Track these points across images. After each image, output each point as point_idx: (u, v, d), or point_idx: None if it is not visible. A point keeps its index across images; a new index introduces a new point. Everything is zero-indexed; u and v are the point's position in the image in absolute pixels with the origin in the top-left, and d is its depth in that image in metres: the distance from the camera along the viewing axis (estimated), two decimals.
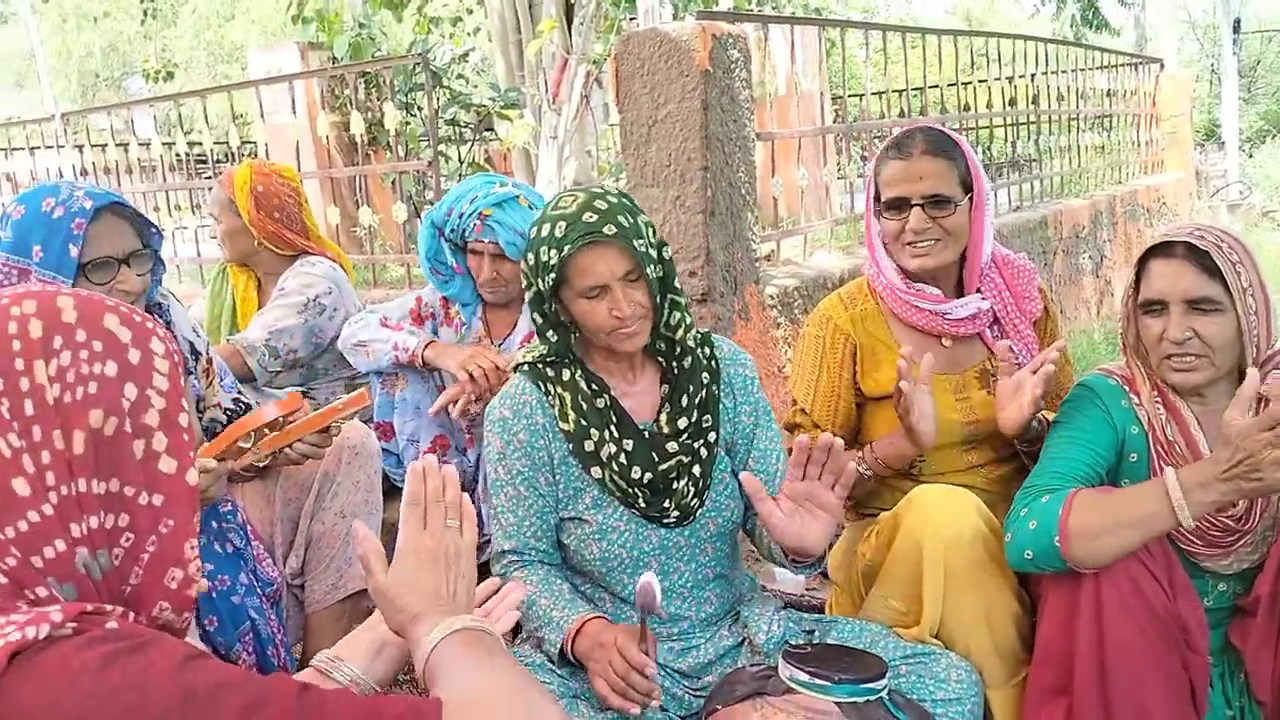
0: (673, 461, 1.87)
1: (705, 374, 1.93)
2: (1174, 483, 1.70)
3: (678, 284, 1.89)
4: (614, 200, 1.80)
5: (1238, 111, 13.70)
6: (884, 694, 1.62)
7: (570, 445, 1.86)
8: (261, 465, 2.12)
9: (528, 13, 7.14)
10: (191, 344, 2.21)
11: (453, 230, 2.62)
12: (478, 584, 1.32)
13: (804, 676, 1.61)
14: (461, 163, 7.02)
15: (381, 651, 1.30)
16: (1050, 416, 2.10)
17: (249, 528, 2.11)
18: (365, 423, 2.78)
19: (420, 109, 6.79)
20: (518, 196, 2.61)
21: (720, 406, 1.94)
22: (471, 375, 2.47)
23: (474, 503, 2.73)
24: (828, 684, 1.60)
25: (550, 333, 1.88)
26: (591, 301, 1.79)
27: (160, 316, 2.17)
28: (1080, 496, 1.79)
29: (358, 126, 4.36)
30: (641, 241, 1.78)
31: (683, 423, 1.89)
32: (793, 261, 3.94)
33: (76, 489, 0.97)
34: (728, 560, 1.98)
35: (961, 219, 2.14)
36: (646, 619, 1.58)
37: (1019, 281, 2.26)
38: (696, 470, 1.89)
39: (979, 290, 2.23)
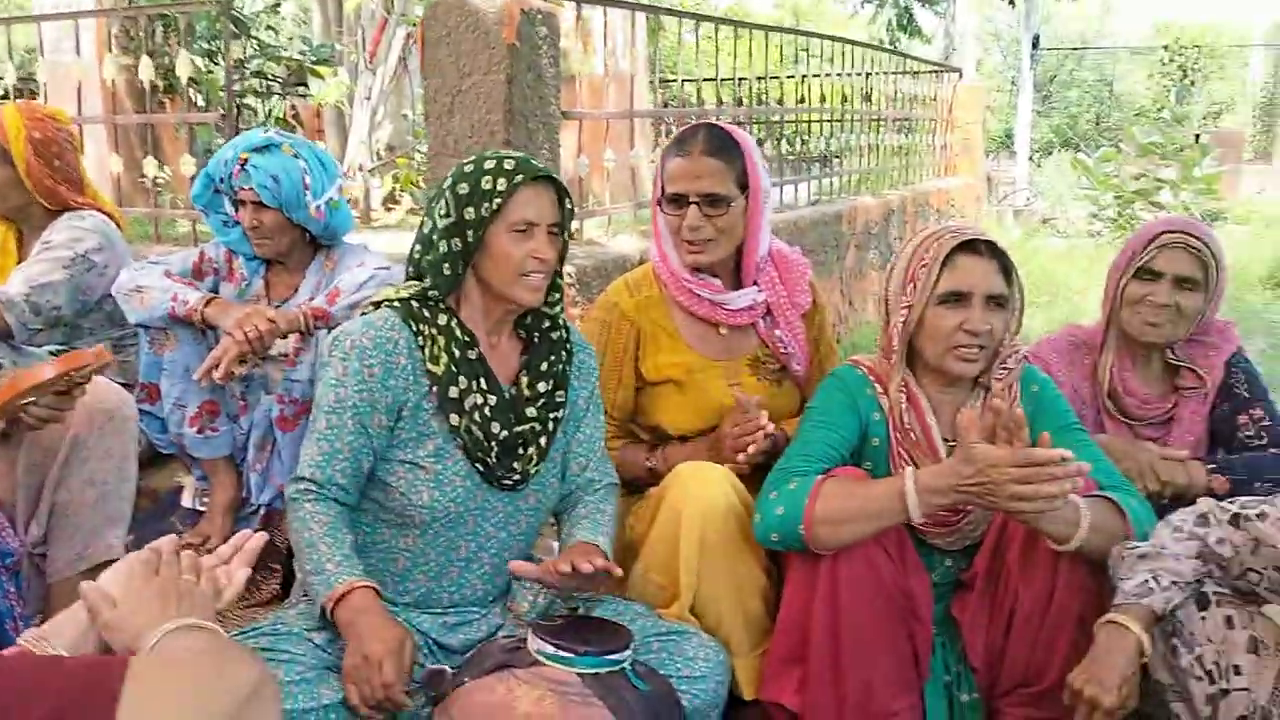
0: (528, 425, 1.91)
1: (563, 350, 2.00)
2: (910, 485, 1.86)
3: (561, 267, 1.96)
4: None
5: (1031, 123, 14.69)
6: (626, 665, 1.69)
7: (433, 388, 1.85)
8: None
9: None
10: None
11: (221, 179, 2.58)
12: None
13: (550, 649, 1.66)
14: (267, 117, 6.73)
15: (86, 638, 1.25)
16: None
17: None
18: (130, 385, 2.67)
19: (224, 58, 6.47)
20: (283, 145, 2.58)
21: (570, 385, 2.01)
22: (246, 336, 2.40)
23: (243, 469, 2.68)
24: (571, 656, 1.65)
25: (447, 267, 1.87)
26: (517, 238, 1.84)
27: None
28: (826, 486, 1.92)
29: (147, 72, 4.12)
30: (568, 206, 1.91)
31: (541, 387, 1.94)
32: (596, 242, 3.99)
33: None
34: (534, 536, 2.05)
35: (735, 217, 2.22)
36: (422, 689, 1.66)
37: (792, 276, 2.37)
38: (543, 440, 1.94)
39: (755, 283, 2.33)
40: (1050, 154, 16.03)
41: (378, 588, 1.78)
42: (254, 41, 6.75)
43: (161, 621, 1.15)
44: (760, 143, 5.54)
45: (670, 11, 5.92)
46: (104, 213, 2.88)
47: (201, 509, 2.75)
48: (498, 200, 1.83)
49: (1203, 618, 1.81)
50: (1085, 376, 2.44)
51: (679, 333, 2.31)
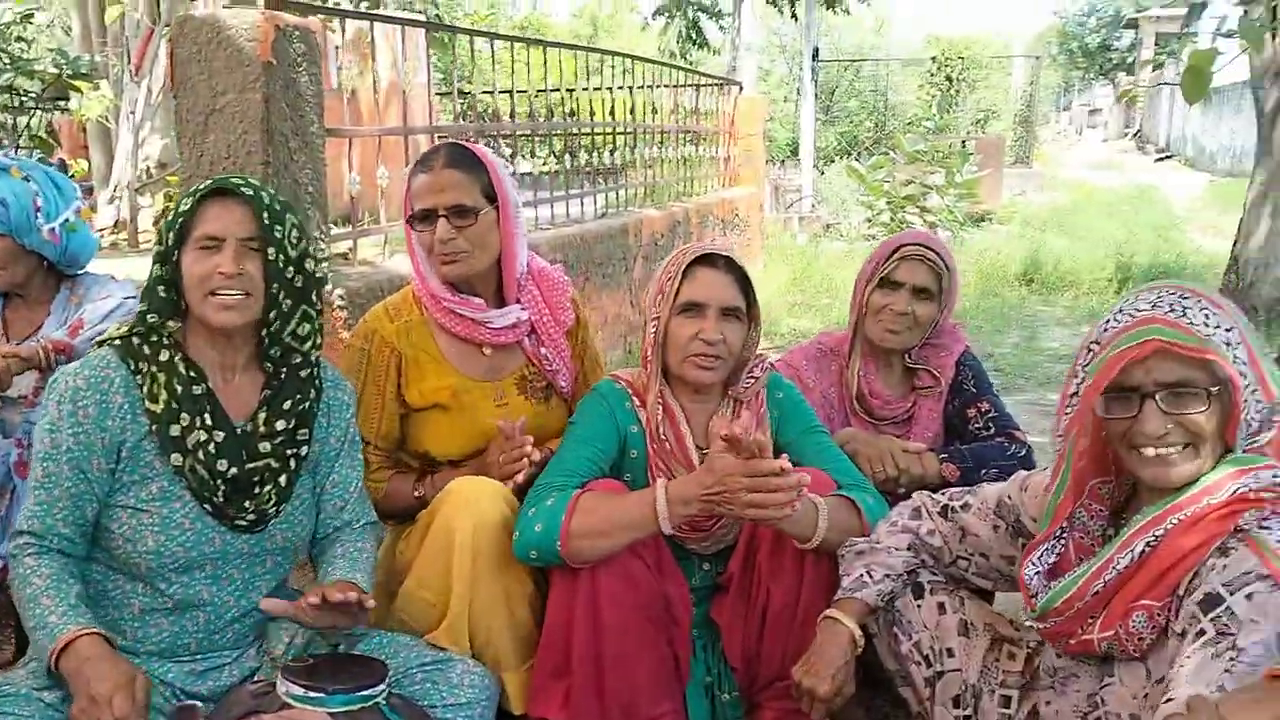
0: (262, 462, 1.84)
1: (311, 389, 1.92)
2: (661, 495, 1.93)
3: (316, 300, 1.89)
4: (268, 189, 1.85)
5: (815, 132, 15.38)
6: (380, 699, 1.67)
7: (153, 428, 1.77)
8: None
9: None
10: None
11: None
12: None
13: (299, 690, 1.63)
14: (20, 134, 6.28)
15: None
16: None
17: None
18: None
19: None
20: (10, 168, 2.45)
21: (316, 424, 1.94)
22: None
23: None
24: (321, 695, 1.62)
25: (160, 292, 1.81)
26: (201, 255, 1.77)
27: None
28: (582, 501, 1.97)
29: None
30: (279, 226, 1.80)
31: (280, 425, 1.86)
32: (370, 262, 3.92)
33: None
34: (283, 575, 1.98)
35: (486, 229, 2.23)
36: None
37: (554, 293, 2.39)
38: (283, 479, 1.87)
39: (518, 301, 2.34)
40: (834, 162, 16.84)
41: (107, 635, 1.70)
42: (3, 55, 6.28)
43: None
44: (558, 156, 5.58)
45: (448, 28, 5.89)
46: None
47: None
48: (183, 218, 1.79)
49: (918, 606, 1.96)
50: (834, 382, 2.60)
51: (443, 356, 2.29)
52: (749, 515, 1.88)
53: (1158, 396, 1.55)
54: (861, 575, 1.94)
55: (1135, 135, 29.74)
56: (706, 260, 2.14)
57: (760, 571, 2.08)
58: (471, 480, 2.11)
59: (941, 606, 1.95)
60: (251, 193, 1.80)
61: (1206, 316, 1.56)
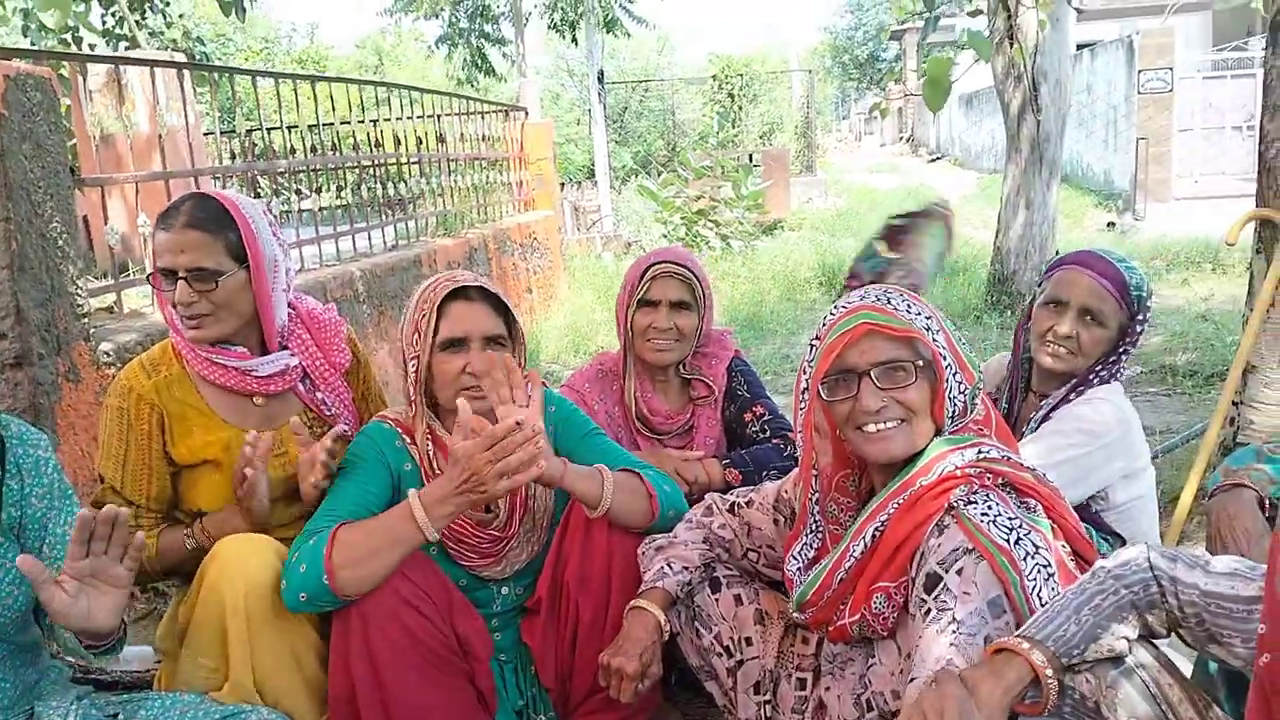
0: None
1: None
2: (416, 503, 1.92)
3: None
4: None
5: (610, 152, 15.65)
6: None
7: None
8: None
9: None
10: None
11: None
12: None
13: None
14: None
15: None
16: None
17: None
18: None
19: None
20: None
21: (5, 489, 1.78)
22: None
23: None
24: None
25: None
26: None
27: None
28: (340, 532, 1.93)
29: None
30: None
31: None
32: (140, 313, 3.72)
33: None
34: (14, 655, 1.81)
35: (231, 292, 2.12)
36: None
37: (325, 335, 2.32)
38: None
39: (285, 346, 2.25)
40: (629, 181, 17.16)
41: None
42: None
43: None
44: (340, 190, 5.46)
45: (202, 66, 5.67)
46: None
47: None
48: None
49: (716, 600, 2.03)
50: (616, 401, 2.65)
51: (210, 409, 2.19)
52: (504, 486, 1.88)
53: (872, 373, 1.70)
54: (661, 568, 2.00)
55: (909, 139, 31.69)
56: (459, 294, 2.11)
57: (567, 588, 2.09)
58: (240, 538, 2.02)
59: (738, 598, 2.03)
60: None
61: (909, 306, 1.74)
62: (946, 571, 1.57)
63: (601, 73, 15.47)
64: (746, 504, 2.06)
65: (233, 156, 4.87)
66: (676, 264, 2.59)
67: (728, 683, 2.01)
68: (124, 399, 2.16)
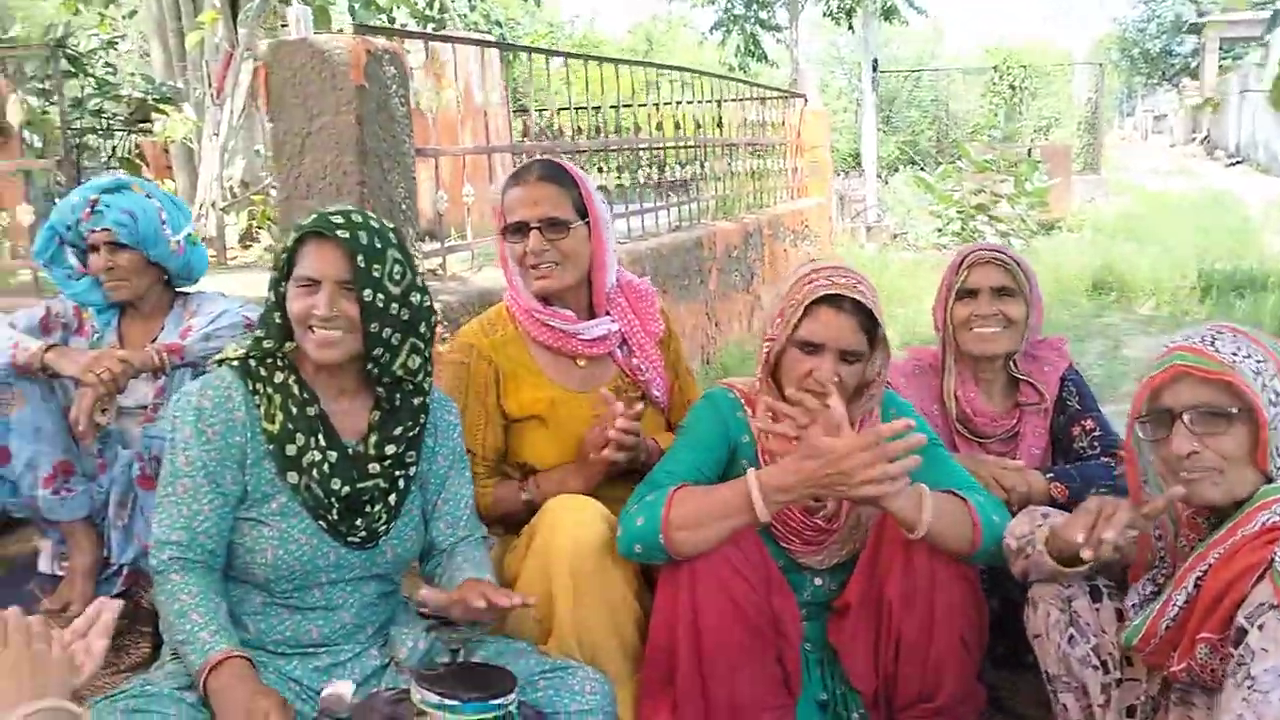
0: (371, 483, 1.88)
1: (421, 414, 1.95)
2: (755, 485, 1.94)
3: (426, 330, 1.90)
4: (370, 223, 1.85)
5: (877, 141, 15.29)
6: (511, 708, 1.69)
7: (270, 447, 1.83)
8: None
9: (189, 1, 6.72)
10: None
11: (68, 227, 2.52)
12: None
13: (434, 698, 1.65)
14: (109, 157, 6.47)
15: None
16: None
17: None
18: None
19: (62, 97, 6.21)
20: (132, 184, 2.55)
21: (424, 445, 1.98)
22: (99, 378, 2.33)
23: (103, 528, 2.57)
24: (456, 704, 1.64)
25: (275, 318, 1.87)
26: (300, 293, 1.81)
27: None
28: (679, 494, 1.98)
29: None
30: (377, 266, 1.81)
31: (390, 449, 1.90)
32: (459, 277, 3.98)
33: None
34: (394, 588, 2.02)
35: (577, 242, 2.27)
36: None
37: (643, 304, 2.43)
38: (392, 499, 1.91)
39: (608, 313, 2.37)
40: (896, 171, 16.70)
41: (252, 659, 1.74)
42: (91, 80, 6.48)
43: (16, 701, 1.09)
44: (620, 171, 5.64)
45: (519, 48, 5.96)
46: None
47: (60, 573, 2.64)
48: (284, 255, 1.85)
49: (1096, 609, 1.92)
50: (934, 399, 2.56)
51: (538, 368, 2.33)
52: (862, 494, 1.87)
53: (1184, 417, 1.68)
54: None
55: (1204, 141, 29.12)
56: (832, 300, 2.07)
57: (890, 605, 2.04)
58: (570, 499, 2.14)
59: (1119, 613, 1.91)
60: (348, 235, 1.81)
61: (1236, 348, 1.69)
62: (1251, 626, 1.52)
63: (876, 61, 15.12)
64: None
65: (523, 135, 5.10)
66: (996, 251, 2.50)
67: (1099, 699, 1.89)
68: (465, 354, 2.33)
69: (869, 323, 2.08)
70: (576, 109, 5.35)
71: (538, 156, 2.42)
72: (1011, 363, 2.52)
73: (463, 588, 1.82)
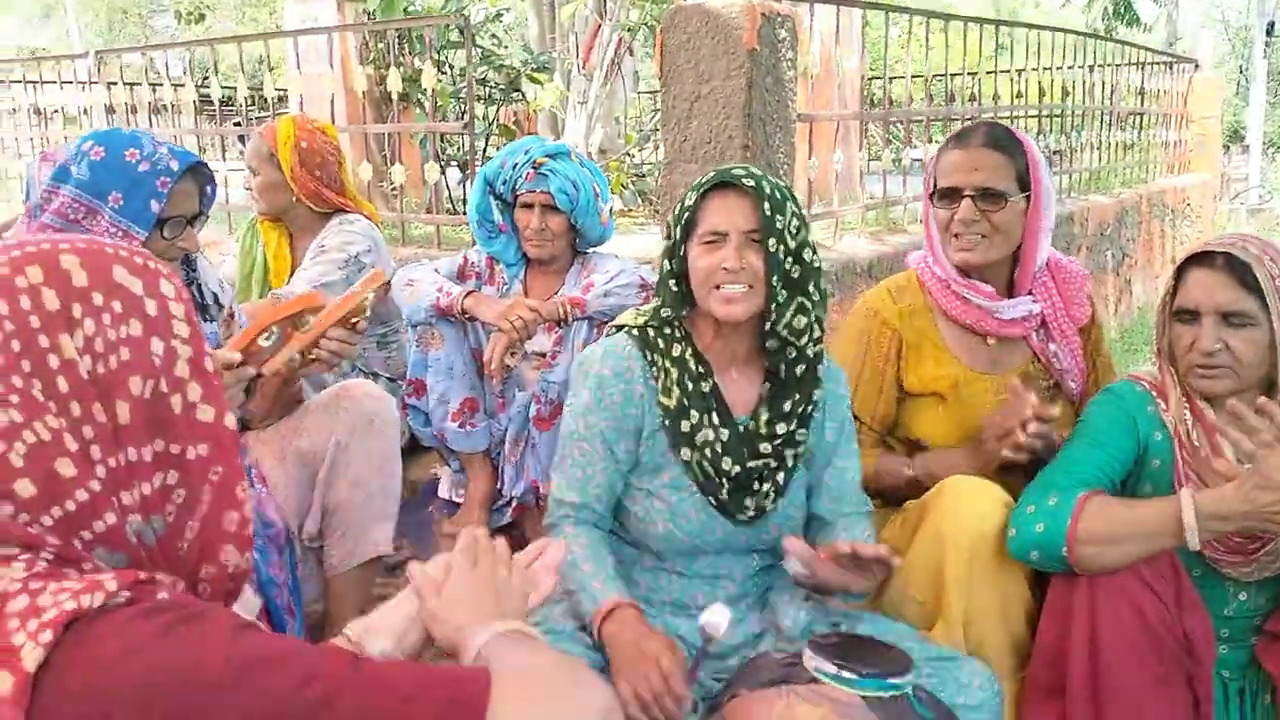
0: (761, 461, 1.87)
1: (811, 388, 1.90)
2: (1189, 507, 1.73)
3: (814, 291, 1.85)
4: (769, 179, 1.83)
5: (1264, 115, 13.61)
6: (909, 690, 1.64)
7: (666, 421, 1.86)
8: (296, 369, 1.96)
9: None
10: (216, 295, 2.26)
11: (504, 183, 2.68)
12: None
13: (830, 668, 1.63)
14: (489, 123, 6.98)
15: (412, 627, 1.26)
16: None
17: (254, 470, 2.10)
18: (396, 380, 2.83)
19: (451, 67, 6.75)
20: (570, 151, 2.67)
21: (812, 419, 1.94)
22: (513, 325, 2.50)
23: (498, 461, 2.77)
24: (854, 676, 1.60)
25: (670, 287, 1.89)
26: (705, 250, 1.80)
27: (187, 269, 2.22)
28: (1090, 504, 1.81)
29: (395, 84, 4.34)
30: (780, 218, 1.78)
31: (780, 427, 1.87)
32: (822, 245, 3.94)
33: (125, 458, 0.96)
34: (777, 560, 2.00)
35: (1012, 216, 2.12)
36: (704, 650, 1.62)
37: (1070, 287, 2.25)
38: (780, 477, 1.90)
39: (1030, 293, 2.22)
40: None
41: (641, 608, 1.79)
42: (479, 50, 7.01)
43: (484, 619, 1.14)
44: None
45: (879, 6, 5.77)
46: (367, 217, 3.06)
47: (458, 500, 2.88)
48: (688, 213, 1.83)
49: None
50: None
51: (945, 343, 2.22)
52: None
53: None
54: None
55: None
56: (1202, 259, 1.86)
57: None
58: (968, 480, 2.01)
59: None
60: (754, 184, 1.78)
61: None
62: None
63: (1271, 24, 13.40)
64: None
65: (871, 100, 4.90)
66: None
67: None
68: (868, 321, 2.25)
69: (1252, 283, 1.82)
70: (931, 77, 5.09)
71: (985, 120, 2.27)
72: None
73: (837, 543, 1.76)
